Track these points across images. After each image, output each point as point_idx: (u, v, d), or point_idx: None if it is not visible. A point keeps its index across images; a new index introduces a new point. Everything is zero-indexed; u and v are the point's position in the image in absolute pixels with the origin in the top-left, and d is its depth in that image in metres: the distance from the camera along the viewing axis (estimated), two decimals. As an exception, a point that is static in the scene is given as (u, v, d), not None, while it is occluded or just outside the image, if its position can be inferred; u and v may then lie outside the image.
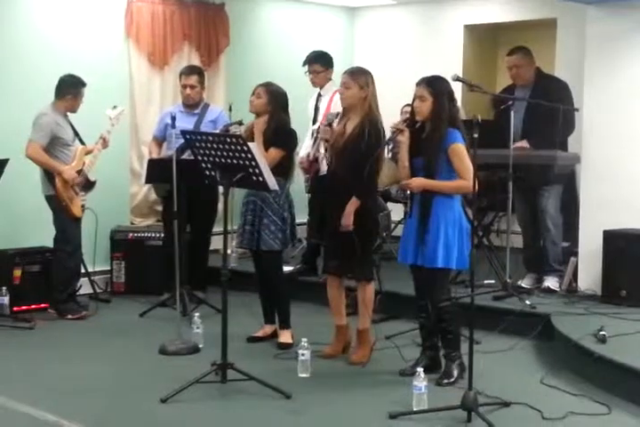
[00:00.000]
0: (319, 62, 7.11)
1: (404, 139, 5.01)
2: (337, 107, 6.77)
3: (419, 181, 4.96)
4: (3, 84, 6.97)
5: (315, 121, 7.08)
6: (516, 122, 6.45)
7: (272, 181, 4.90)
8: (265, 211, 5.65)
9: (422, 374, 4.55)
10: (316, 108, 7.16)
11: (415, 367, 4.90)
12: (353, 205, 5.28)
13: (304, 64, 7.14)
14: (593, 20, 6.52)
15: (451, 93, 5.00)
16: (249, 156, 4.76)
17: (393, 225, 8.17)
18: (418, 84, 4.99)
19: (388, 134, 5.31)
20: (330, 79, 7.15)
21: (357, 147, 5.23)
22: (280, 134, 5.69)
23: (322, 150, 6.74)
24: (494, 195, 6.71)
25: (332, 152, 5.39)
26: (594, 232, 6.40)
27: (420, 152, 4.99)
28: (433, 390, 4.71)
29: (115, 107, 6.83)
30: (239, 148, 4.77)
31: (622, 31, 6.37)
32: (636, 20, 6.31)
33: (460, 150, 4.89)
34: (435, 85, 4.96)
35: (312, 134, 6.83)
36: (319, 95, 7.18)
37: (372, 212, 5.44)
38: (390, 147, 7.05)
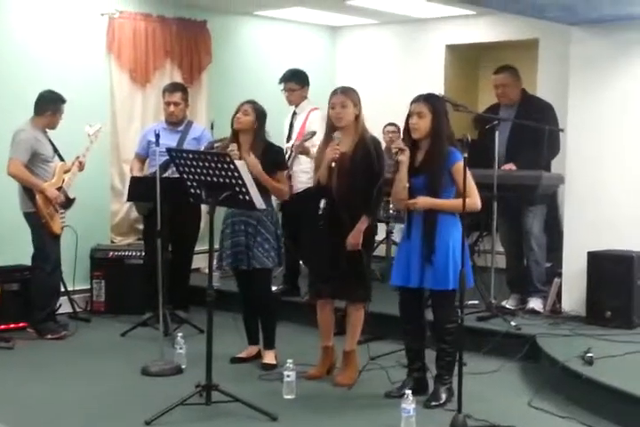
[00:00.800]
0: (294, 80, 7.13)
1: (405, 158, 4.92)
2: (312, 125, 6.80)
3: (424, 200, 4.87)
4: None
5: (289, 139, 7.08)
6: (501, 142, 6.44)
7: (259, 200, 4.85)
8: (258, 229, 5.58)
9: (411, 397, 4.48)
10: (291, 126, 7.16)
11: (402, 389, 4.86)
12: (363, 223, 5.22)
13: (280, 82, 7.16)
14: (577, 41, 6.54)
15: (446, 112, 4.98)
16: (235, 174, 4.70)
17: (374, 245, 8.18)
18: (415, 101, 4.94)
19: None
20: (305, 97, 7.17)
21: (365, 164, 5.19)
22: (280, 155, 5.76)
23: (295, 168, 6.73)
24: (478, 215, 6.69)
25: (336, 173, 5.24)
26: (578, 253, 6.39)
27: (419, 171, 4.93)
28: (420, 412, 4.64)
29: (92, 124, 6.76)
30: (226, 166, 4.71)
31: (606, 52, 6.40)
32: (619, 40, 6.34)
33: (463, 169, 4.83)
34: (433, 102, 4.93)
35: (285, 152, 6.81)
36: (294, 113, 7.19)
37: (372, 230, 5.43)
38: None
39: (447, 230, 4.89)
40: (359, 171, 5.20)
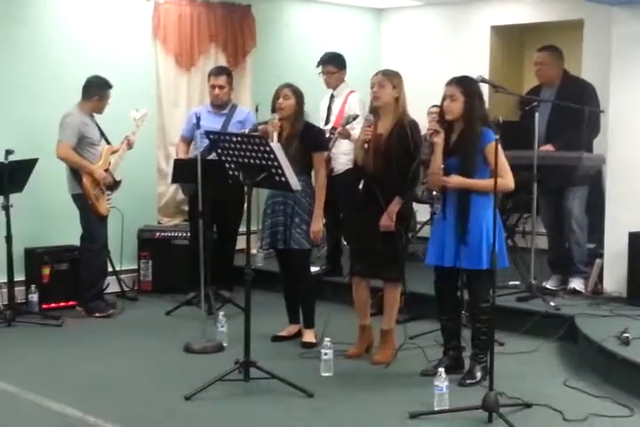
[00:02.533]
0: (332, 63, 7.18)
1: (440, 140, 4.98)
2: (351, 108, 6.84)
3: (457, 179, 4.93)
4: (31, 84, 7.06)
5: (327, 122, 7.13)
6: (541, 123, 6.41)
7: (295, 182, 4.92)
8: (296, 210, 5.67)
9: (443, 375, 4.56)
10: (329, 109, 7.21)
11: (437, 368, 4.91)
12: (397, 205, 5.30)
13: (318, 65, 7.21)
14: (619, 21, 6.49)
15: (480, 94, 5.01)
16: (272, 156, 4.79)
17: (418, 226, 8.24)
18: (448, 84, 5.00)
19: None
20: (343, 80, 7.22)
21: (402, 147, 5.25)
22: (320, 137, 5.85)
23: (334, 150, 6.79)
24: (519, 196, 6.70)
25: (371, 154, 5.33)
26: (619, 234, 6.37)
27: (453, 152, 4.98)
28: (454, 390, 4.73)
29: (139, 109, 6.90)
30: (262, 148, 4.80)
31: (648, 32, 6.36)
32: (662, 20, 6.29)
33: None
34: (466, 85, 4.98)
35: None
36: (332, 96, 7.24)
37: (408, 212, 5.49)
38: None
39: (481, 210, 4.91)
40: (395, 153, 5.26)
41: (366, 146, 5.30)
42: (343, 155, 6.96)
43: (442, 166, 5.00)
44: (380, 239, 5.30)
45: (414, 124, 5.38)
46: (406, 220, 5.47)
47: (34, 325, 6.39)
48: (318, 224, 5.67)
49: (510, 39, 9.18)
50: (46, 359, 5.61)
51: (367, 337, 5.65)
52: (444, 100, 5.03)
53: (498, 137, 4.52)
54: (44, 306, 6.78)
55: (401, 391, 4.95)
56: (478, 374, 5.04)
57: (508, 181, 4.86)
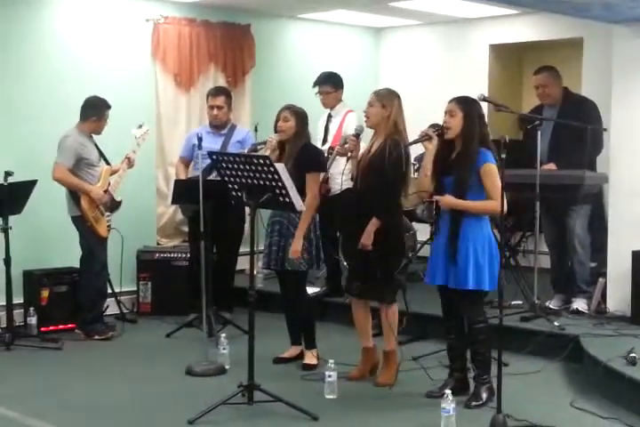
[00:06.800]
0: (329, 83, 7.15)
1: (431, 146, 4.99)
2: (349, 128, 6.81)
3: (448, 200, 4.90)
4: (29, 106, 7.03)
5: (324, 142, 7.11)
6: (543, 142, 6.40)
7: (299, 202, 4.89)
8: (291, 231, 5.63)
9: (450, 397, 4.49)
10: (326, 129, 7.18)
11: (443, 389, 4.87)
12: (373, 225, 5.25)
13: (314, 85, 7.18)
14: (620, 39, 6.49)
15: (481, 114, 4.98)
16: (276, 176, 4.76)
17: (419, 245, 8.18)
18: (449, 102, 5.00)
19: (413, 155, 5.31)
20: (340, 100, 7.20)
21: (380, 166, 5.23)
22: (315, 157, 5.78)
23: (332, 170, 6.74)
24: (521, 215, 6.67)
25: (359, 171, 5.39)
26: (622, 253, 6.33)
27: (451, 171, 4.96)
28: (461, 412, 4.67)
29: (140, 126, 6.87)
30: (266, 168, 4.76)
31: (649, 50, 6.36)
32: (662, 38, 6.29)
33: (492, 171, 4.84)
34: (466, 103, 4.97)
35: None
36: (329, 116, 7.21)
37: (396, 232, 5.40)
38: (416, 167, 7.03)
39: (472, 232, 4.90)
40: (376, 172, 5.25)
41: (349, 154, 5.36)
42: (340, 175, 6.91)
43: (428, 174, 5.00)
44: (367, 259, 5.26)
45: (396, 144, 5.26)
46: (389, 241, 5.31)
47: (33, 348, 6.32)
48: (298, 244, 5.58)
49: (509, 58, 9.18)
50: (46, 384, 5.54)
51: (370, 359, 5.58)
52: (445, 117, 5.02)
53: (504, 156, 4.47)
54: (42, 329, 6.72)
55: (407, 414, 4.90)
56: (484, 396, 4.99)
57: (498, 204, 4.76)
